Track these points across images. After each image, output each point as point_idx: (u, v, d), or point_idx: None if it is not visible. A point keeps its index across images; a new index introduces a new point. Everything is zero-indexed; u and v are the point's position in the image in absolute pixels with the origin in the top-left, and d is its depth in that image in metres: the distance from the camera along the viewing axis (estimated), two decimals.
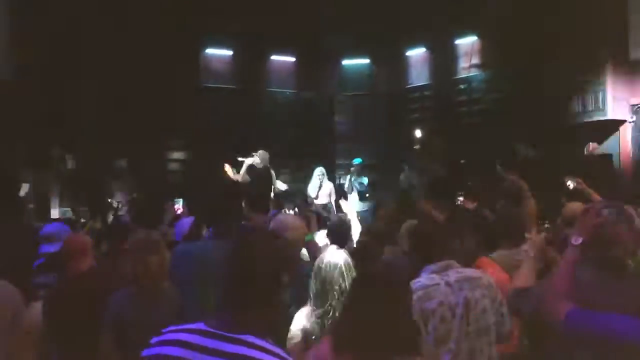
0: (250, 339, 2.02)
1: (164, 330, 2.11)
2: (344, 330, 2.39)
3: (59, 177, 10.41)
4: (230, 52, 14.57)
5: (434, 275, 3.29)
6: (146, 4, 12.19)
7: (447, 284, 3.24)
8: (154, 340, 2.09)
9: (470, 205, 6.92)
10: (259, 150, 10.78)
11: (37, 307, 3.89)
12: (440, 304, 3.13)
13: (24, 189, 8.19)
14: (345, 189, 12.21)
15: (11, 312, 3.51)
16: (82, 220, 8.56)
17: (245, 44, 14.14)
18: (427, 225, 3.72)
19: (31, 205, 8.18)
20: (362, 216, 8.78)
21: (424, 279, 3.26)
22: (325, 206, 11.19)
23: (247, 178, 10.55)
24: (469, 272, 3.34)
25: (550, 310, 2.58)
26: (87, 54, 11.66)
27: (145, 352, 2.08)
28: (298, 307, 3.62)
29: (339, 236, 4.41)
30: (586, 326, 2.45)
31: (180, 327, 2.09)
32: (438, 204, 5.47)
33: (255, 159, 10.67)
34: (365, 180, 11.95)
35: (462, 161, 11.92)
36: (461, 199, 9.60)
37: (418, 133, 12.97)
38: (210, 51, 14.42)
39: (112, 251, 4.61)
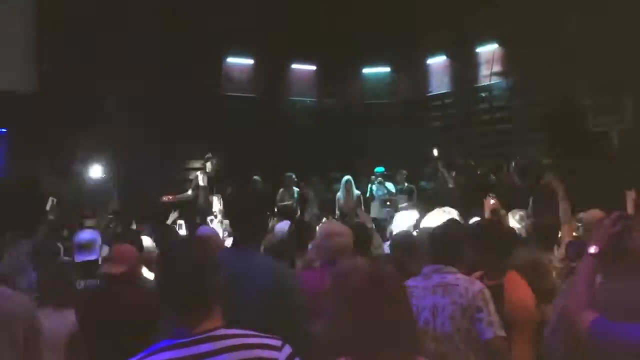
0: (220, 332, 2.07)
1: None
2: (345, 333, 2.41)
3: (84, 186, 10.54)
4: (251, 61, 14.64)
5: (419, 278, 3.43)
6: (168, 12, 12.30)
7: (425, 287, 3.37)
8: None
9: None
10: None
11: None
12: None
13: (50, 203, 8.29)
14: (367, 197, 12.31)
15: (22, 324, 3.30)
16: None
17: (266, 52, 14.19)
18: (442, 229, 3.76)
19: (51, 217, 8.26)
20: (382, 224, 8.84)
21: (409, 281, 3.39)
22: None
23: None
24: (451, 278, 3.40)
25: (574, 319, 2.58)
26: (110, 62, 11.78)
27: None
28: None
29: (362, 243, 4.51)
30: (610, 335, 2.45)
31: (144, 353, 2.07)
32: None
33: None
34: (391, 187, 12.05)
35: (478, 170, 11.88)
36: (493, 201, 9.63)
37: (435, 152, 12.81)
38: (231, 60, 14.50)
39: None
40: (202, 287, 2.11)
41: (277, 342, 2.11)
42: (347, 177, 11.86)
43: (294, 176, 12.22)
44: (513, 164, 10.65)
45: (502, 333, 3.29)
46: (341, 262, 3.63)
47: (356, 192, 11.86)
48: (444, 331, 3.25)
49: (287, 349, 2.12)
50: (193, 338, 2.04)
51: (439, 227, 3.82)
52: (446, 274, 3.39)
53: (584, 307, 2.56)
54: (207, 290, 2.12)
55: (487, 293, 3.37)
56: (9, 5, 11.46)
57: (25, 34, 11.55)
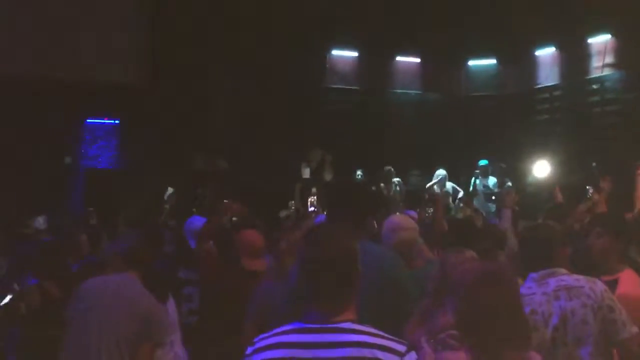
0: (349, 325, 2.07)
1: (256, 340, 2.15)
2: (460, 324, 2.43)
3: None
4: (355, 54, 14.69)
5: (532, 284, 3.28)
6: (274, 4, 12.53)
7: (544, 293, 3.21)
8: (249, 350, 2.15)
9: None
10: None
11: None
12: (532, 312, 3.10)
13: (168, 192, 8.62)
14: (470, 191, 12.15)
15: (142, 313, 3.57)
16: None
17: (371, 45, 14.22)
18: (537, 230, 3.64)
19: (167, 206, 8.58)
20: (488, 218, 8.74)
21: (523, 289, 3.23)
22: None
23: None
24: (570, 280, 3.25)
25: None
26: (218, 57, 12.12)
27: None
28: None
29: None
30: None
31: (273, 331, 2.14)
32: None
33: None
34: (491, 182, 11.84)
35: (593, 164, 11.47)
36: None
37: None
38: (336, 52, 14.60)
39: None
40: (343, 276, 2.12)
41: (401, 347, 2.08)
42: (441, 171, 11.80)
43: (392, 170, 12.21)
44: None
45: (636, 330, 3.16)
46: (452, 256, 3.63)
47: (449, 184, 11.95)
48: (578, 335, 3.13)
49: (412, 357, 2.09)
50: (322, 325, 2.07)
51: (531, 230, 3.70)
52: (562, 276, 3.26)
53: None
54: (347, 280, 2.13)
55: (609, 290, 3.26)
56: None
57: (138, 26, 12.00)
